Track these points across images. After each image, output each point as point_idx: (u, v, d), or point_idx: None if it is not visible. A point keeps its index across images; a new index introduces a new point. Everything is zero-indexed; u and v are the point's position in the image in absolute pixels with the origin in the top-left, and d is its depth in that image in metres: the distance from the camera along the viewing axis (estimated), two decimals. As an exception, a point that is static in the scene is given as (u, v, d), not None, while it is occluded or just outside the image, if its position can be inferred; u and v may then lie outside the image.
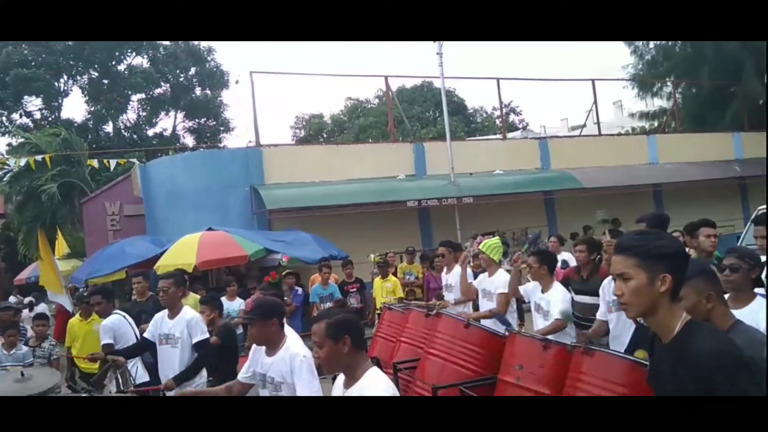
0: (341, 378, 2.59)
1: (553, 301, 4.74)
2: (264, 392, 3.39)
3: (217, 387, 3.78)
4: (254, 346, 3.49)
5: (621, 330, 4.29)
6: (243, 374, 3.54)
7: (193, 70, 28.54)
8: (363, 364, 2.48)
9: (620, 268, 1.85)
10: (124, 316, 5.83)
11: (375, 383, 2.38)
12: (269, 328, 3.31)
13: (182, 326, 4.62)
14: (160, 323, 4.74)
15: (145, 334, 4.93)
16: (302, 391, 3.14)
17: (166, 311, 4.76)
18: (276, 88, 40.45)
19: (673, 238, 1.94)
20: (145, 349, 4.99)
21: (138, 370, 5.47)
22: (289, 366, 3.22)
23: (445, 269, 6.43)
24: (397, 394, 2.42)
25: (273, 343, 3.33)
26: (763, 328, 2.27)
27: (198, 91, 29.28)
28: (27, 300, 13.85)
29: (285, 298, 8.14)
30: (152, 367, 5.14)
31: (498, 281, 5.56)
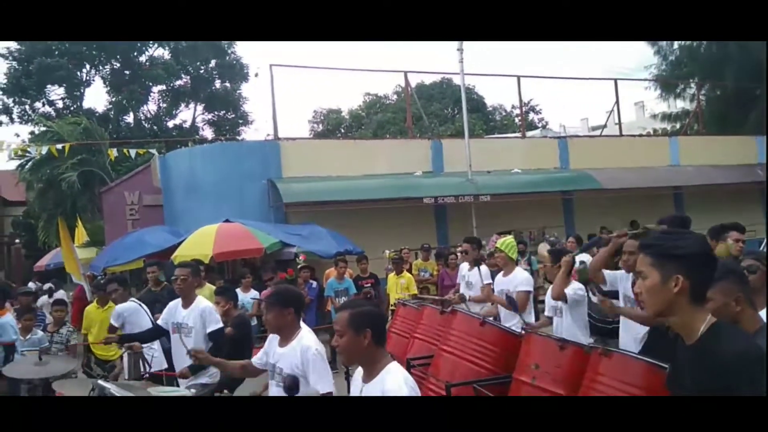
0: (359, 371, 2.57)
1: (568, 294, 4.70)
2: (272, 383, 3.37)
3: (235, 362, 3.82)
4: (270, 335, 3.50)
5: (630, 325, 4.22)
6: (257, 359, 3.55)
7: (213, 63, 28.73)
8: (382, 359, 2.44)
9: (639, 266, 1.87)
10: (140, 305, 5.88)
11: (395, 378, 2.35)
12: (285, 317, 3.30)
13: (195, 316, 4.64)
14: (174, 312, 4.77)
15: (159, 321, 4.97)
16: (316, 383, 3.13)
17: (179, 300, 4.79)
18: (295, 81, 40.69)
19: (696, 239, 1.89)
20: (159, 335, 5.03)
21: (155, 356, 5.51)
22: (300, 358, 3.20)
23: (467, 265, 6.37)
24: (416, 389, 2.39)
25: (286, 333, 3.32)
26: None
27: (218, 83, 29.48)
28: (47, 286, 14.06)
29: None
30: (170, 352, 5.18)
31: (516, 280, 5.52)
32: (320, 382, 3.13)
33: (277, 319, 3.31)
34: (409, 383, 2.36)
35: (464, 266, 6.62)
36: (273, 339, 3.45)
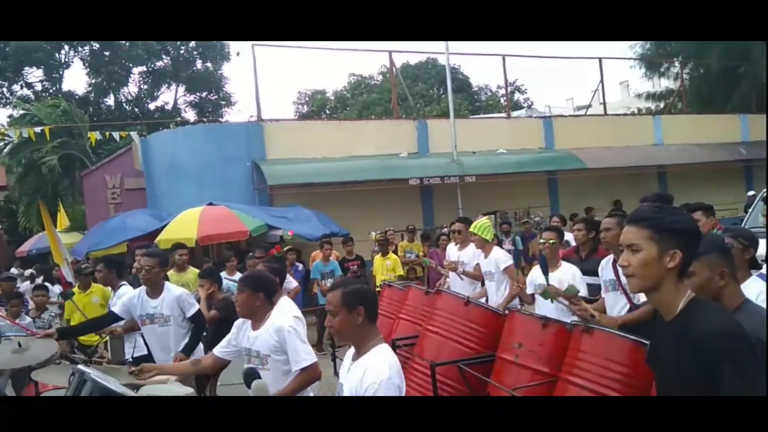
0: (352, 350, 2.59)
1: (564, 280, 4.66)
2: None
3: (182, 363, 3.82)
4: (238, 320, 3.47)
5: (613, 309, 4.25)
6: (221, 348, 3.49)
7: (193, 43, 28.22)
8: (374, 338, 2.47)
9: (631, 239, 1.79)
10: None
11: (378, 360, 2.37)
12: (254, 302, 3.30)
13: (171, 304, 4.51)
14: (141, 303, 4.54)
15: (115, 309, 4.68)
16: (296, 359, 3.15)
17: (142, 290, 4.57)
18: (278, 62, 40.05)
19: (687, 215, 1.88)
20: (111, 322, 4.72)
21: (137, 342, 5.46)
22: (275, 338, 3.21)
23: (458, 245, 6.38)
24: (399, 370, 2.40)
25: (257, 317, 3.33)
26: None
27: (199, 63, 28.99)
28: (28, 272, 13.91)
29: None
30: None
31: (496, 259, 5.62)
32: (298, 358, 3.15)
33: (246, 302, 3.31)
34: (392, 367, 2.36)
35: (451, 247, 6.63)
36: (242, 324, 3.44)
